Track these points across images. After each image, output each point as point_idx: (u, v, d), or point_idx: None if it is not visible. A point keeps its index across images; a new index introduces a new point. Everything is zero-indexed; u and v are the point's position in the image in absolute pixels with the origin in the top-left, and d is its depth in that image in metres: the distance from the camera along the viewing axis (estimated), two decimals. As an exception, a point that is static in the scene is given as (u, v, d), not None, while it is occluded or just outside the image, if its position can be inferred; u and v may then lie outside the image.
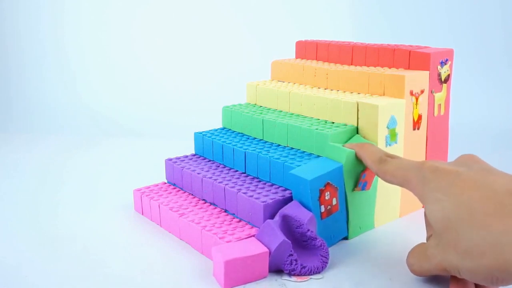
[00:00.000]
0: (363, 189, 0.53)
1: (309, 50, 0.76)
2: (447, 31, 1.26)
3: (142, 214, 0.64)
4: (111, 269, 0.50)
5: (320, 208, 0.51)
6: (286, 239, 0.47)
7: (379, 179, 0.55)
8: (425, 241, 0.46)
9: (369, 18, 1.31)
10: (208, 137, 0.67)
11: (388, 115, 0.57)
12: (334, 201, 0.52)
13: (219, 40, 1.35)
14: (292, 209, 0.50)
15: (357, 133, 0.58)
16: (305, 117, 0.64)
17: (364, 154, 0.52)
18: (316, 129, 0.58)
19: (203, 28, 1.35)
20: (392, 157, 0.49)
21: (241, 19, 1.35)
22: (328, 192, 0.51)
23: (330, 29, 1.30)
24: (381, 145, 0.57)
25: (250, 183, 0.58)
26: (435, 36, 1.24)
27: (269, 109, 0.69)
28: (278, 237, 0.47)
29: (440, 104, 0.64)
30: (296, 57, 0.79)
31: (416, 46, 0.66)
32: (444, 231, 0.40)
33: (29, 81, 1.33)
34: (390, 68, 0.65)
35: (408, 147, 0.61)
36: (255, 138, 0.66)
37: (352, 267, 0.50)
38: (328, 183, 0.51)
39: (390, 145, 0.58)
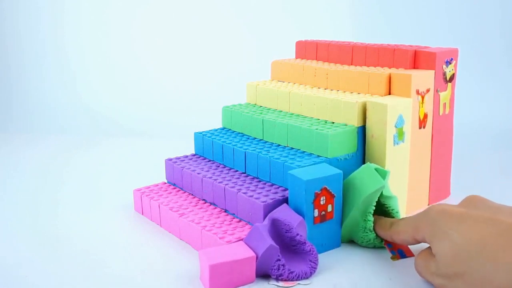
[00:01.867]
0: (402, 256, 0.52)
1: (309, 50, 0.76)
2: (447, 31, 1.26)
3: (142, 214, 0.64)
4: (111, 269, 0.50)
5: (313, 212, 0.50)
6: (274, 244, 0.46)
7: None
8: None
9: (369, 18, 1.31)
10: (208, 137, 0.67)
11: (396, 114, 0.57)
12: (330, 208, 0.52)
13: (219, 40, 1.34)
14: (282, 213, 0.49)
15: (358, 132, 0.58)
16: (305, 117, 0.64)
17: (375, 226, 0.53)
18: (316, 129, 0.58)
19: (203, 28, 1.35)
20: (401, 219, 0.50)
21: (241, 19, 1.35)
22: (324, 197, 0.51)
23: (330, 29, 1.30)
24: (389, 144, 0.57)
25: (250, 183, 0.58)
26: (435, 36, 1.24)
27: (269, 109, 0.69)
28: (266, 242, 0.46)
29: (445, 103, 0.64)
30: (296, 57, 0.79)
31: (416, 46, 0.66)
32: (452, 264, 0.40)
33: (29, 81, 1.33)
34: (390, 68, 0.65)
35: (414, 146, 0.61)
36: (255, 138, 0.66)
37: (352, 266, 0.50)
38: (324, 188, 0.50)
39: (397, 144, 0.58)
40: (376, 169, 0.52)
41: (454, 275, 0.40)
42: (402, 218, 0.50)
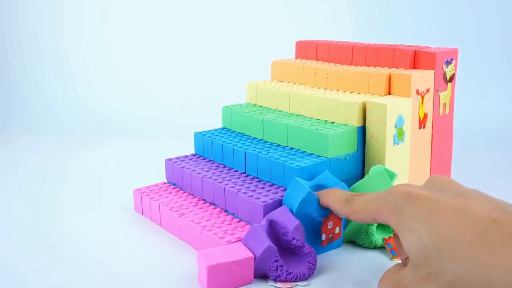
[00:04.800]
0: None
1: (309, 50, 0.76)
2: (447, 31, 1.26)
3: (142, 214, 0.64)
4: (111, 269, 0.50)
5: (321, 237, 0.51)
6: (272, 245, 0.46)
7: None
8: (399, 262, 0.44)
9: (369, 18, 1.31)
10: (208, 137, 0.67)
11: (396, 114, 0.57)
12: (337, 230, 0.52)
13: (219, 40, 1.34)
14: (280, 215, 0.49)
15: (358, 132, 0.58)
16: (305, 117, 0.64)
17: (329, 200, 0.48)
18: (316, 129, 0.58)
19: (203, 28, 1.35)
20: (358, 195, 0.45)
21: (241, 19, 1.35)
22: (331, 222, 0.51)
23: (330, 29, 1.30)
24: (389, 144, 0.57)
25: (250, 183, 0.58)
26: (435, 36, 1.24)
27: (269, 109, 0.69)
28: (264, 243, 0.46)
29: (445, 103, 0.64)
30: (296, 57, 0.79)
31: (416, 46, 0.66)
32: (423, 262, 0.36)
33: (29, 81, 1.33)
34: (390, 68, 0.65)
35: (414, 146, 0.61)
36: (255, 138, 0.66)
37: (352, 267, 0.50)
38: (332, 214, 0.50)
39: (397, 143, 0.58)
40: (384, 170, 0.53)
41: (427, 277, 0.36)
42: (360, 194, 0.45)
